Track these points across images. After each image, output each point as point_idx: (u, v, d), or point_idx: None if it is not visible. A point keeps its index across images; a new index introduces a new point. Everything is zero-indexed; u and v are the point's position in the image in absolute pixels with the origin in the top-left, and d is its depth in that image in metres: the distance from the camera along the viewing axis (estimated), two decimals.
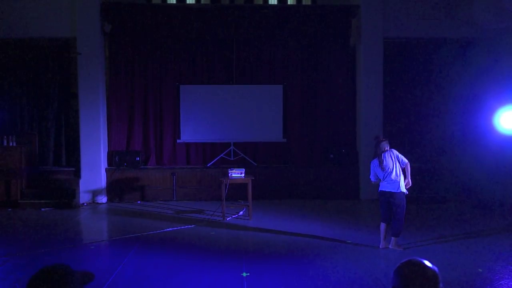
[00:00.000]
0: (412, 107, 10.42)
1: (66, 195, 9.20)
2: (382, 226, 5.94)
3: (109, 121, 10.08)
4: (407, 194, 5.87)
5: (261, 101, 10.20)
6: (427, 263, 1.80)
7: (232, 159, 10.09)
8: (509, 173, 9.02)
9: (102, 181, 9.68)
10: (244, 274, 4.92)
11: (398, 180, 5.74)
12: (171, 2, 10.50)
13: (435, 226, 7.37)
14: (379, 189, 5.92)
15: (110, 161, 9.94)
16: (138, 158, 9.77)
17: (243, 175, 7.83)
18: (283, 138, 10.24)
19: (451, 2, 10.02)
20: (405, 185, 5.83)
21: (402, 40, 10.33)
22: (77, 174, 9.71)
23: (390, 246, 5.83)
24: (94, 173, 9.61)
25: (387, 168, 5.78)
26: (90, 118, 9.62)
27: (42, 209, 8.85)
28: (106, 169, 9.80)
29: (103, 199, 9.63)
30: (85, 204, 9.43)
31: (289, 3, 10.70)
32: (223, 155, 10.13)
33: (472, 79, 10.10)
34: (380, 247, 5.92)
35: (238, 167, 8.38)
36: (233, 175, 7.79)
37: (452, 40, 10.25)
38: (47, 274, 1.71)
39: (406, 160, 5.88)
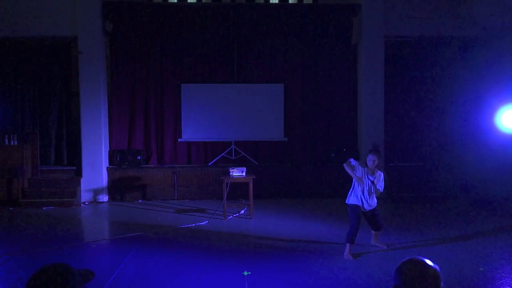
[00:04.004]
0: (413, 105, 10.41)
1: (67, 194, 9.22)
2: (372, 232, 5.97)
3: (110, 120, 10.09)
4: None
5: (262, 100, 10.20)
6: (428, 261, 1.80)
7: (233, 158, 10.09)
8: (510, 172, 9.01)
9: (103, 180, 9.69)
10: (246, 273, 4.92)
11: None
12: (172, 1, 10.49)
13: (436, 225, 7.36)
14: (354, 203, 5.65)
15: (111, 160, 9.95)
16: (139, 157, 9.78)
17: (244, 174, 7.83)
18: (284, 137, 10.23)
19: (452, 0, 10.00)
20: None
21: (404, 39, 10.32)
22: (78, 173, 9.73)
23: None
24: (95, 172, 9.62)
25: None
26: (91, 117, 9.63)
27: (44, 208, 8.86)
28: (107, 168, 9.80)
29: (104, 198, 9.64)
30: (86, 203, 9.44)
31: (290, 1, 10.68)
32: (224, 154, 10.14)
33: (474, 77, 10.09)
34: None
35: (239, 166, 8.36)
36: (234, 174, 7.79)
37: (454, 39, 10.24)
38: (47, 273, 1.72)
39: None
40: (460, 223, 7.49)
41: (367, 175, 5.57)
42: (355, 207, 5.61)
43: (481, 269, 5.08)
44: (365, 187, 5.56)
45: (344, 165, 5.65)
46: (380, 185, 5.59)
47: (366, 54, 9.99)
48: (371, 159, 5.51)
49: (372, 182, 5.55)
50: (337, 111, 10.43)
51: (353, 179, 5.64)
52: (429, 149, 10.28)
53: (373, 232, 5.95)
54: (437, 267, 1.79)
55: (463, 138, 9.94)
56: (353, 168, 5.61)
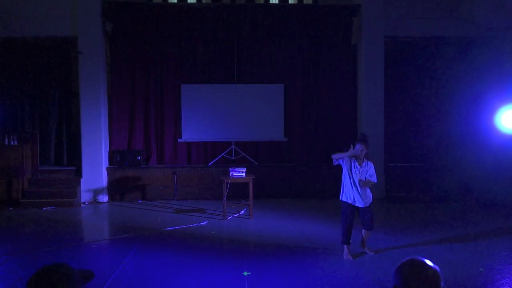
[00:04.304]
0: (413, 106, 10.41)
1: (67, 194, 9.21)
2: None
3: (110, 120, 10.09)
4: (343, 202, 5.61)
5: (262, 100, 10.19)
6: (428, 262, 1.80)
7: (233, 158, 10.09)
8: (510, 172, 9.01)
9: (103, 180, 9.69)
10: (245, 273, 4.92)
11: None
12: (172, 1, 10.50)
13: (435, 225, 7.36)
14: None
15: (111, 160, 9.96)
16: (139, 157, 9.78)
17: (244, 174, 7.82)
18: (284, 137, 10.23)
19: (452, 1, 10.01)
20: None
21: (403, 39, 10.32)
22: (78, 173, 9.73)
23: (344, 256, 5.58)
24: (95, 172, 9.62)
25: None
26: (91, 117, 9.63)
27: (44, 208, 8.86)
28: (107, 168, 9.81)
29: (104, 198, 9.64)
30: (86, 203, 9.44)
31: (290, 1, 10.69)
32: (224, 154, 10.14)
33: (473, 78, 10.09)
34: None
35: (239, 166, 8.37)
36: (234, 174, 7.79)
37: (453, 39, 10.24)
38: (47, 272, 1.72)
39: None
40: (460, 223, 7.49)
41: (354, 165, 5.45)
42: (346, 205, 5.50)
43: (481, 269, 5.08)
44: (355, 177, 5.42)
45: (332, 155, 5.53)
46: (372, 175, 5.41)
47: (366, 54, 9.99)
48: (358, 149, 5.42)
49: (360, 165, 5.41)
50: (337, 111, 10.42)
51: (342, 176, 5.55)
52: (429, 149, 10.28)
53: (363, 233, 5.71)
54: (437, 267, 1.79)
55: (463, 138, 9.93)
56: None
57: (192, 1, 10.44)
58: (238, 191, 9.08)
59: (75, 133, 10.01)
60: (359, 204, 5.46)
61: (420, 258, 1.82)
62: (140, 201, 9.64)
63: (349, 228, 5.50)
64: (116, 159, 9.77)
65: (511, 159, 9.06)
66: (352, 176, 5.45)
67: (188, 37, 10.15)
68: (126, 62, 10.17)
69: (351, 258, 5.45)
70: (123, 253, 5.72)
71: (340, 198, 5.60)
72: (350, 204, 5.48)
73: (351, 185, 5.46)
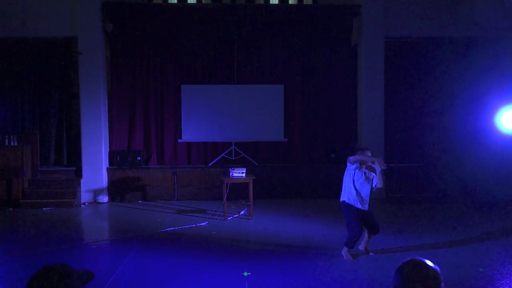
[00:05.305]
0: (413, 106, 10.42)
1: (67, 195, 9.21)
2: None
3: (110, 121, 10.09)
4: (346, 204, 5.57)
5: (262, 101, 10.19)
6: (428, 262, 1.80)
7: (233, 158, 10.09)
8: (510, 173, 9.01)
9: (103, 180, 9.69)
10: (246, 274, 4.92)
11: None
12: (173, 1, 10.50)
13: (435, 225, 7.36)
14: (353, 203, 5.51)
15: (111, 161, 9.96)
16: (139, 158, 9.78)
17: (244, 174, 7.82)
18: (284, 138, 10.23)
19: (452, 1, 10.01)
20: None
21: (404, 40, 10.33)
22: (78, 173, 9.73)
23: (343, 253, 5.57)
24: (95, 173, 9.62)
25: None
26: (91, 118, 9.63)
27: (44, 209, 8.86)
28: (107, 168, 9.80)
29: (104, 198, 9.64)
30: (86, 203, 9.44)
31: (290, 2, 10.69)
32: (224, 154, 10.13)
33: (474, 78, 10.09)
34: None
35: (239, 166, 8.37)
36: (234, 175, 7.79)
37: (454, 39, 10.25)
38: (47, 273, 1.71)
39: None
40: (460, 223, 7.49)
41: (363, 170, 5.49)
42: (351, 208, 5.44)
43: (481, 269, 5.08)
44: (357, 185, 5.44)
45: (351, 158, 5.46)
46: (376, 181, 5.43)
47: (366, 54, 9.99)
48: (368, 155, 5.46)
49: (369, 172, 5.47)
50: (337, 112, 10.43)
51: (344, 181, 5.56)
52: (429, 150, 10.28)
53: (366, 236, 5.71)
54: (437, 267, 1.79)
55: (463, 138, 9.93)
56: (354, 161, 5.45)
57: (192, 1, 10.44)
58: (238, 192, 9.08)
59: (75, 133, 10.01)
60: (362, 207, 5.47)
61: (421, 258, 1.82)
62: (140, 201, 9.64)
63: (360, 235, 5.44)
64: (116, 159, 9.77)
65: (511, 159, 9.06)
66: (354, 183, 5.46)
67: (188, 37, 10.15)
68: (126, 62, 10.17)
69: (351, 259, 5.45)
70: (123, 254, 5.72)
71: (343, 200, 5.53)
72: (355, 206, 5.45)
73: (354, 189, 5.46)
